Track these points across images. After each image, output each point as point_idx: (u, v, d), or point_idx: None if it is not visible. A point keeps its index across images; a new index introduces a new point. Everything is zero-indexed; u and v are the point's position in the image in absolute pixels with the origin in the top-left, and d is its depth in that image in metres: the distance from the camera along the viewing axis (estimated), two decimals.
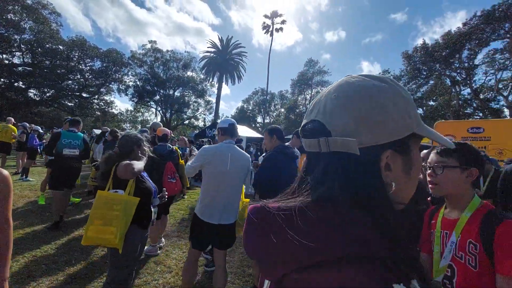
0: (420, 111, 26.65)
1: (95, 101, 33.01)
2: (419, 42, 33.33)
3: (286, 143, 2.98)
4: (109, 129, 6.12)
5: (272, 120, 42.13)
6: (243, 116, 41.56)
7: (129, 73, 34.26)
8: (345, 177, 0.44)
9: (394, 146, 0.45)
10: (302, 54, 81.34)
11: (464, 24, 21.65)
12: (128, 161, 2.09)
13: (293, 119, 37.96)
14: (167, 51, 36.16)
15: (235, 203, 2.51)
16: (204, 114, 39.84)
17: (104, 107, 33.67)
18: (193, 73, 37.71)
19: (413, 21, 62.25)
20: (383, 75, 0.50)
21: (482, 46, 21.40)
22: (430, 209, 1.43)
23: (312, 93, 38.30)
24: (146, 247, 3.60)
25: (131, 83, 34.56)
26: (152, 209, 2.33)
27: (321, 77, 37.55)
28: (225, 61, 36.64)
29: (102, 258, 3.47)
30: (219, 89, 37.58)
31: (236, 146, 2.54)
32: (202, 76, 37.77)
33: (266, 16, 37.89)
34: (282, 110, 42.68)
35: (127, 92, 34.28)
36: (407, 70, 25.80)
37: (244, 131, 15.75)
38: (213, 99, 39.19)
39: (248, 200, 2.80)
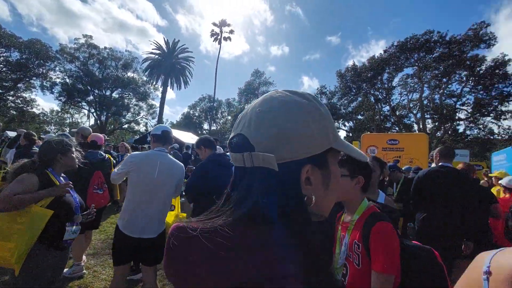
0: (350, 123, 30.04)
1: (10, 98, 28.33)
2: (350, 63, 37.83)
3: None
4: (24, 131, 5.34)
5: (219, 127, 42.15)
6: (189, 122, 40.61)
7: (57, 68, 30.45)
8: (267, 193, 0.45)
9: (314, 160, 0.47)
10: (249, 64, 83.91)
11: (385, 51, 25.48)
12: (7, 192, 1.70)
13: None
14: (105, 48, 33.30)
15: (161, 215, 2.34)
16: (146, 119, 37.62)
17: (22, 105, 29.10)
18: (135, 75, 35.45)
19: (345, 44, 70.42)
20: (306, 93, 0.53)
21: (398, 71, 25.45)
22: (339, 214, 1.52)
23: None
24: (66, 269, 3.19)
25: (58, 80, 30.73)
26: (72, 228, 1.96)
27: (267, 88, 39.33)
28: (171, 64, 35.49)
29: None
30: (164, 93, 36.09)
31: (168, 154, 2.44)
32: (144, 78, 35.77)
33: (214, 24, 38.17)
34: (229, 117, 43.10)
35: (53, 90, 30.35)
36: (340, 87, 28.93)
37: (190, 138, 15.61)
38: (156, 103, 37.35)
39: (185, 214, 2.71)
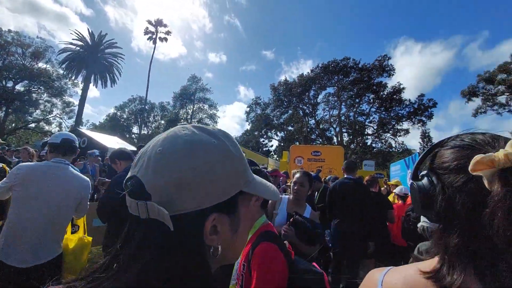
0: (282, 134, 32.29)
1: None
2: (282, 78, 41.03)
3: None
4: None
5: (150, 131, 39.45)
6: (115, 125, 36.80)
7: None
8: (161, 254, 0.39)
9: (221, 208, 0.43)
10: (186, 69, 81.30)
11: (311, 71, 28.58)
12: None
13: None
14: (9, 31, 27.73)
15: (52, 239, 1.97)
16: (61, 118, 32.52)
17: None
18: (48, 66, 30.42)
19: (278, 59, 75.71)
20: (217, 130, 0.50)
21: (321, 89, 28.79)
22: None
23: (194, 108, 38.95)
24: None
25: None
26: None
27: (203, 94, 38.99)
28: (96, 59, 31.74)
29: None
30: (85, 90, 31.89)
31: (69, 166, 2.10)
32: (61, 72, 31.01)
33: (150, 23, 36.00)
34: (162, 122, 40.89)
35: None
36: (273, 99, 30.95)
37: (115, 142, 14.11)
38: (75, 101, 32.71)
39: (90, 238, 2.31)
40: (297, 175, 2.34)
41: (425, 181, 0.53)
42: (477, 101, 22.11)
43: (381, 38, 71.58)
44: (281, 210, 2.22)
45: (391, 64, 25.88)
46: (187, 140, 0.43)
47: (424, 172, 0.55)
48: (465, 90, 22.23)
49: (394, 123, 26.08)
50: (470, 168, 0.43)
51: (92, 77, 32.05)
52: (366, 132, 27.57)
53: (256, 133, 32.21)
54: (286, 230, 1.93)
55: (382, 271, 0.57)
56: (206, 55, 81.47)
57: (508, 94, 20.24)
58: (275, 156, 31.99)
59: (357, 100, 27.41)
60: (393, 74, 25.70)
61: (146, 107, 38.37)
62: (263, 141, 33.85)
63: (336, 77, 27.50)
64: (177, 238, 0.40)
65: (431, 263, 0.51)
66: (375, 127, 27.27)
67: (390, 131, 26.42)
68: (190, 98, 38.57)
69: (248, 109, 33.08)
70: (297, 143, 27.31)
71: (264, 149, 33.38)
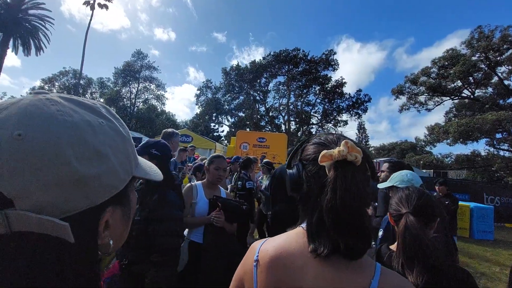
0: (233, 119, 32.26)
1: None
2: (234, 62, 40.55)
3: None
4: None
5: None
6: None
7: None
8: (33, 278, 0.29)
9: (114, 200, 0.37)
10: (129, 43, 74.25)
11: (263, 58, 28.81)
12: None
13: (115, 112, 34.01)
14: None
15: None
16: None
17: None
18: None
19: (230, 43, 74.25)
20: (100, 105, 0.40)
21: (272, 78, 29.40)
22: None
23: (139, 87, 36.15)
24: None
25: None
26: None
27: (150, 73, 36.34)
28: (16, 20, 26.78)
29: None
30: (1, 56, 26.89)
31: None
32: None
33: None
34: (102, 100, 37.02)
35: None
36: (225, 83, 30.52)
37: None
38: None
39: None
40: (218, 159, 2.17)
41: (294, 169, 0.65)
42: (403, 99, 25.23)
43: (326, 34, 76.04)
44: (200, 198, 2.05)
45: (336, 59, 27.67)
46: (67, 123, 0.33)
47: (295, 162, 0.68)
48: (395, 88, 25.05)
49: (335, 114, 28.22)
50: (318, 160, 0.57)
51: (12, 42, 27.11)
52: (311, 122, 29.28)
53: (206, 117, 31.55)
54: (218, 216, 1.88)
55: (260, 242, 0.66)
56: (152, 30, 75.49)
57: (427, 94, 23.49)
58: (226, 142, 31.97)
59: (304, 91, 28.77)
60: (337, 69, 27.56)
61: (81, 81, 34.17)
62: (214, 126, 33.42)
63: (286, 67, 28.29)
64: (64, 252, 0.31)
65: (297, 231, 0.63)
66: (319, 117, 29.12)
67: (332, 122, 28.57)
68: (134, 76, 35.56)
69: (199, 92, 32.10)
70: (248, 129, 27.67)
71: (215, 134, 33.03)
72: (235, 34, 76.34)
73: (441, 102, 23.59)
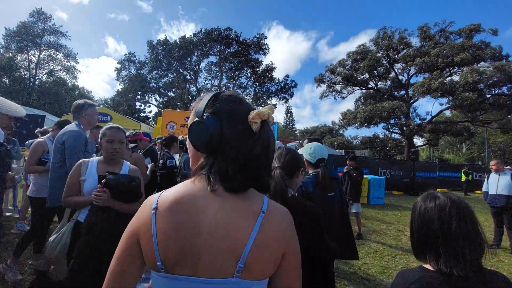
0: (162, 99, 30.21)
1: None
2: (162, 37, 37.30)
3: None
4: None
5: None
6: None
7: None
8: None
9: None
10: (26, 0, 59.54)
11: (194, 35, 27.44)
12: None
13: (8, 84, 27.68)
14: None
15: None
16: None
17: None
18: None
19: (157, 15, 67.83)
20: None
21: (204, 57, 28.40)
22: None
23: (42, 55, 30.06)
24: None
25: None
26: None
27: (56, 39, 30.39)
28: None
29: None
30: None
31: None
32: None
33: None
34: None
35: None
36: (151, 59, 28.05)
37: None
38: None
39: None
40: (111, 130, 1.92)
41: (212, 121, 0.65)
42: (323, 87, 27.96)
43: (258, 18, 76.97)
44: (90, 175, 1.83)
45: (267, 43, 28.39)
46: None
47: (207, 114, 0.67)
48: (317, 77, 27.50)
49: (265, 98, 29.37)
50: (251, 117, 0.65)
51: None
52: None
53: (130, 95, 28.64)
54: (98, 194, 1.67)
55: (157, 194, 0.68)
56: None
57: (342, 84, 26.58)
58: (153, 123, 29.90)
59: (237, 73, 28.87)
60: (267, 53, 28.38)
61: None
62: (140, 106, 30.73)
63: (218, 46, 27.66)
64: None
65: (197, 178, 0.68)
66: (250, 100, 29.84)
67: (262, 105, 29.67)
68: (34, 40, 29.22)
69: (120, 66, 28.63)
70: (179, 110, 26.41)
71: (142, 114, 30.48)
72: (162, 5, 69.79)
73: (353, 91, 27.10)
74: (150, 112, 31.95)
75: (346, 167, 5.70)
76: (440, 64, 19.87)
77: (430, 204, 0.94)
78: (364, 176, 9.82)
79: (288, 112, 29.39)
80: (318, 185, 1.92)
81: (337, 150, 23.66)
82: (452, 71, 20.80)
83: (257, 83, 28.91)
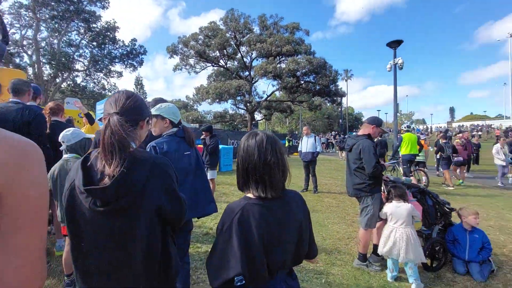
0: None
1: None
2: None
3: None
4: None
5: None
6: None
7: None
8: None
9: None
10: None
11: None
12: None
13: None
14: None
15: None
16: None
17: None
18: None
19: None
20: None
21: None
22: None
23: None
24: None
25: None
26: None
27: None
28: None
29: None
30: None
31: None
32: None
33: None
34: None
35: None
36: None
37: None
38: None
39: None
40: None
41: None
42: (177, 59, 27.13)
43: None
44: None
45: None
46: None
47: None
48: (169, 47, 26.21)
49: (107, 62, 24.92)
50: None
51: None
52: (75, 68, 23.91)
53: None
54: None
55: None
56: None
57: (195, 58, 26.82)
58: None
59: (63, 26, 22.36)
60: (107, 7, 23.64)
61: None
62: None
63: None
64: None
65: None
66: (86, 63, 24.39)
67: (103, 71, 25.07)
68: None
69: None
70: None
71: None
72: None
73: (205, 67, 28.08)
74: None
75: (202, 136, 6.12)
76: (273, 52, 24.13)
77: (251, 141, 1.07)
78: None
79: (139, 84, 26.44)
80: (176, 144, 2.02)
81: (191, 124, 24.27)
82: (281, 59, 25.82)
83: (94, 43, 23.82)
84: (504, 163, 8.42)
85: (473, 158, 9.72)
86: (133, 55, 25.34)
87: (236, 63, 28.32)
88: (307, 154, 7.04)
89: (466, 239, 3.06)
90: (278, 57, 25.38)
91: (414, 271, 2.66)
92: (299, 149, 7.48)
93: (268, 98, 28.16)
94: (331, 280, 2.81)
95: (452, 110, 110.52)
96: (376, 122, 3.21)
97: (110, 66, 25.13)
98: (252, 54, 26.51)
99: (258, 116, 31.57)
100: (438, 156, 9.01)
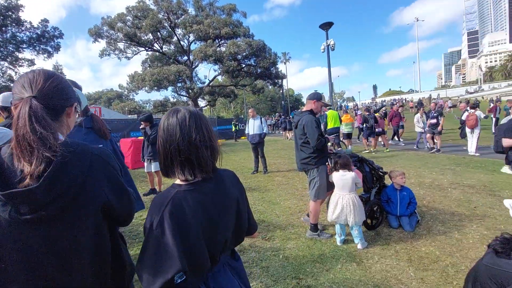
0: None
1: None
2: None
3: None
4: None
5: None
6: None
7: None
8: None
9: None
10: None
11: None
12: None
13: None
14: None
15: None
16: None
17: None
18: None
19: None
20: None
21: None
22: None
23: None
24: None
25: None
26: None
27: None
28: None
29: None
30: None
31: None
32: None
33: None
34: None
35: None
36: None
37: None
38: None
39: None
40: None
41: None
42: (102, 43, 24.01)
43: None
44: None
45: None
46: None
47: None
48: (92, 29, 22.96)
49: (12, 49, 20.74)
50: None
51: None
52: None
53: None
54: None
55: None
56: None
57: (125, 42, 24.14)
58: None
59: None
60: None
61: None
62: None
63: None
64: None
65: None
66: None
67: (8, 59, 20.82)
68: None
69: None
70: None
71: None
72: None
73: (138, 52, 25.57)
74: None
75: (141, 126, 5.62)
76: (212, 35, 23.20)
77: (172, 119, 0.93)
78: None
79: (59, 73, 22.56)
80: (83, 136, 1.84)
81: (129, 116, 22.22)
82: (220, 43, 25.05)
83: None
84: (422, 130, 9.79)
85: (399, 126, 11.16)
86: (46, 39, 21.51)
87: (172, 47, 26.45)
88: (254, 136, 7.09)
89: (397, 197, 3.48)
90: (217, 40, 24.54)
91: (359, 232, 2.93)
92: (246, 131, 7.48)
93: (211, 84, 27.32)
94: (288, 254, 2.91)
95: (375, 88, 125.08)
96: (316, 96, 3.34)
97: (17, 53, 20.98)
98: (189, 37, 25.09)
99: (201, 103, 30.59)
100: (362, 126, 10.26)
